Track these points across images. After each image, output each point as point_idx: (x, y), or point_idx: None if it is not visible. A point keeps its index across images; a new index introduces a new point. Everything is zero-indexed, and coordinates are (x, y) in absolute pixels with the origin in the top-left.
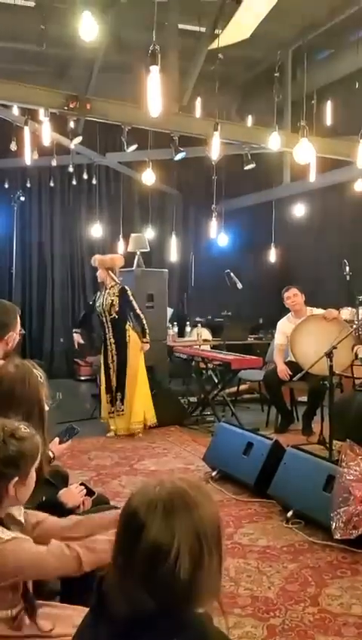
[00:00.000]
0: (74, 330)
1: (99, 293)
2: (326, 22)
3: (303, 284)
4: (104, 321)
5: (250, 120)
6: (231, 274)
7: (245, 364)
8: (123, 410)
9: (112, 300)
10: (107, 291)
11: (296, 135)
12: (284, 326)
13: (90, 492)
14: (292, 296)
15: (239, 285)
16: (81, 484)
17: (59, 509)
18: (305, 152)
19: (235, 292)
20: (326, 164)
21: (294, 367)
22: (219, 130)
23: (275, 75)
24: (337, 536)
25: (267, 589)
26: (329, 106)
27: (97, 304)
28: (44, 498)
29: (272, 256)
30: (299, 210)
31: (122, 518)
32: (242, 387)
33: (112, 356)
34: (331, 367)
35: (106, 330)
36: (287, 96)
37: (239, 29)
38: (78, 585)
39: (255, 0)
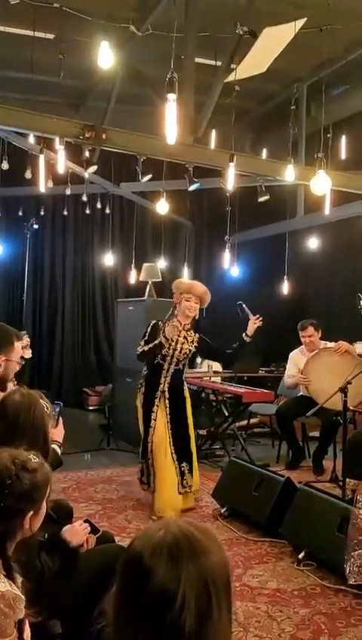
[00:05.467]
0: None
1: (164, 327)
2: (342, 58)
3: (315, 317)
4: (164, 367)
5: (264, 153)
6: (244, 305)
7: (256, 397)
8: (192, 486)
9: (190, 351)
10: (184, 334)
11: (311, 168)
12: (297, 357)
13: (94, 530)
14: (307, 336)
15: (251, 317)
16: (86, 520)
17: (62, 548)
18: (322, 183)
19: (247, 324)
20: (340, 197)
21: (306, 401)
22: (235, 161)
23: (291, 108)
24: (351, 581)
25: (277, 637)
26: (343, 141)
27: (167, 346)
28: (46, 536)
29: (285, 288)
30: (313, 243)
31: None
32: (253, 421)
33: (166, 414)
34: (345, 402)
35: (162, 377)
36: (302, 130)
37: (255, 63)
38: (79, 628)
39: (271, 35)
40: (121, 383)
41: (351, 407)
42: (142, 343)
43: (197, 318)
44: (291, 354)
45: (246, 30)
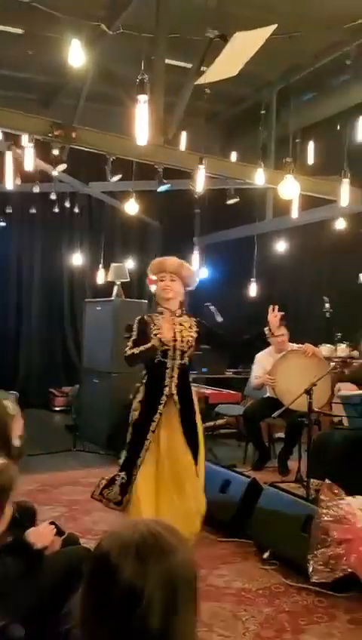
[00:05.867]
0: None
1: (153, 320)
2: (310, 65)
3: (283, 320)
4: (168, 364)
5: (234, 156)
6: (211, 307)
7: (223, 398)
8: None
9: (192, 337)
10: (178, 320)
11: (280, 172)
12: (264, 359)
13: (59, 531)
14: (280, 335)
15: (219, 319)
16: (51, 522)
17: (26, 550)
18: (290, 188)
19: (215, 325)
20: (307, 202)
21: (273, 402)
22: (205, 164)
23: (261, 112)
24: (314, 579)
25: (242, 635)
26: (311, 146)
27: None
28: (9, 538)
29: (253, 290)
30: (281, 246)
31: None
32: (219, 422)
33: (179, 422)
34: (310, 404)
35: (167, 378)
36: (272, 134)
37: (226, 66)
38: (43, 630)
39: (242, 39)
40: (88, 383)
41: (315, 409)
42: (131, 343)
43: (182, 299)
44: (258, 355)
45: (216, 34)
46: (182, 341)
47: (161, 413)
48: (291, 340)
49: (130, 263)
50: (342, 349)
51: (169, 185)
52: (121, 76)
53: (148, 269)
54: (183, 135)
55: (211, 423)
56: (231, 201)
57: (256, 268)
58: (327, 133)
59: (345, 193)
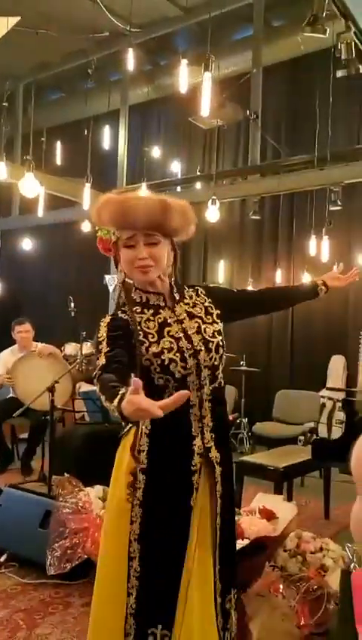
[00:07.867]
0: None
1: (132, 317)
2: (57, 66)
3: (31, 318)
4: (191, 399)
5: None
6: None
7: None
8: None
9: (217, 330)
10: (182, 304)
11: (25, 168)
12: (6, 357)
13: None
14: (24, 331)
15: None
16: None
17: None
18: (31, 186)
19: None
20: (56, 202)
21: (15, 403)
22: None
23: (3, 104)
24: (51, 572)
25: None
26: (58, 146)
27: (161, 345)
28: None
29: None
30: (27, 244)
31: None
32: None
33: (216, 504)
34: (52, 401)
35: (193, 422)
36: (18, 129)
37: None
38: None
39: None
40: None
41: (58, 406)
42: (101, 360)
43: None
44: (2, 353)
45: None
46: (208, 346)
47: (197, 488)
48: (39, 339)
49: None
50: (87, 347)
51: None
52: None
53: (91, 216)
54: None
55: None
56: None
57: (0, 266)
58: (74, 136)
59: (87, 196)
